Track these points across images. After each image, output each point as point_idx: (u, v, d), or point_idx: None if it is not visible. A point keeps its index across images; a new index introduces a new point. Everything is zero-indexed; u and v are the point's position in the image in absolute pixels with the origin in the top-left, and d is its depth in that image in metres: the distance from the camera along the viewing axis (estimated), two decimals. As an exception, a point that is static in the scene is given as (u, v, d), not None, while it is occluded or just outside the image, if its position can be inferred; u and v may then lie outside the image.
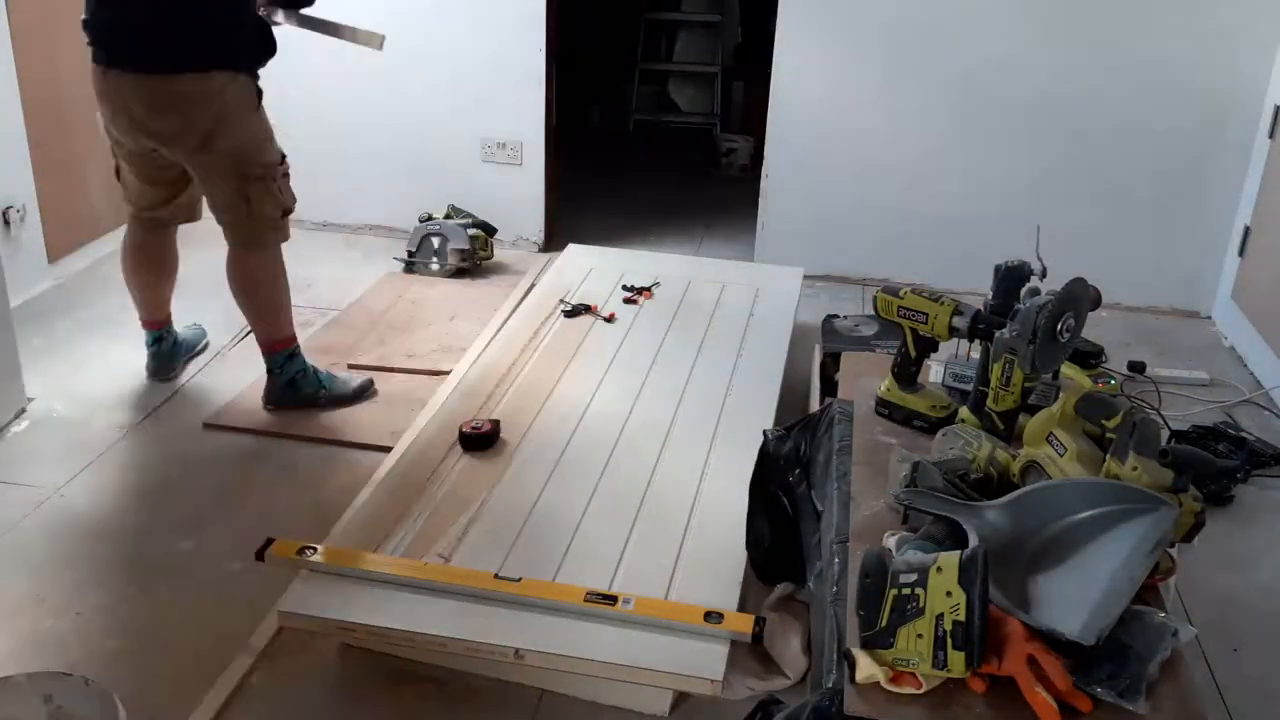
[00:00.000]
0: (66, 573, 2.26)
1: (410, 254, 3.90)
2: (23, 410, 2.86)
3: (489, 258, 3.98)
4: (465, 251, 3.83)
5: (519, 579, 1.99)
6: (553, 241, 4.25)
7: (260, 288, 2.80)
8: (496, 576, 2.00)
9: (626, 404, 2.72)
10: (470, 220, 3.98)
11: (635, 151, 5.89)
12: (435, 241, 3.89)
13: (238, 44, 2.57)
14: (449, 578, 2.00)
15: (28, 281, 3.50)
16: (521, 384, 2.79)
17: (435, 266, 3.87)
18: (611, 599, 1.94)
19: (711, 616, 1.90)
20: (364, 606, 1.94)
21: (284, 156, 2.72)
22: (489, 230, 4.00)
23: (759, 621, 1.89)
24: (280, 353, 2.85)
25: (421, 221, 3.96)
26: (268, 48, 2.65)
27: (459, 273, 3.88)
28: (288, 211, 2.75)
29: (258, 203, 2.65)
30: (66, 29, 3.76)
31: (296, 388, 2.87)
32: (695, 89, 6.22)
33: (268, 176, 2.66)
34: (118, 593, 2.21)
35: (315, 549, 2.05)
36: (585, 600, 1.94)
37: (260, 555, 2.06)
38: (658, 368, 2.92)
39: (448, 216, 3.98)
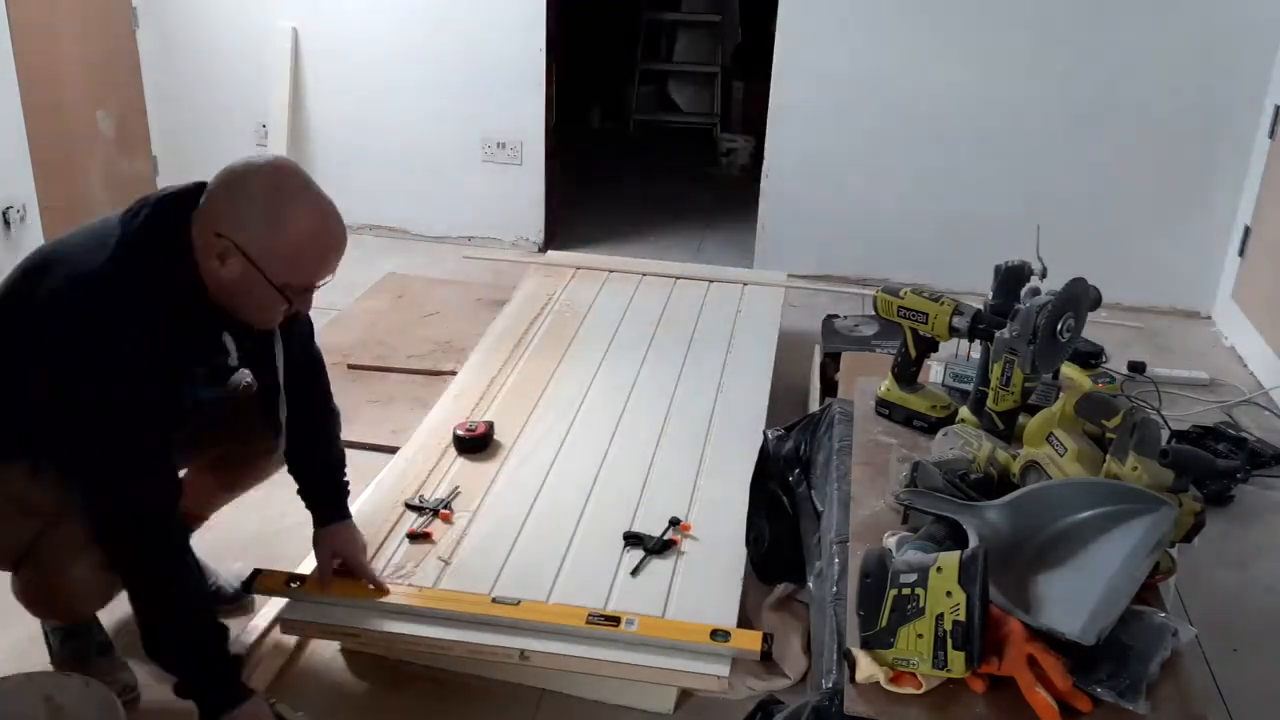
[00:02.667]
0: (66, 573, 2.26)
1: None
2: (23, 410, 2.85)
3: None
4: None
5: (518, 601, 1.94)
6: (553, 241, 4.25)
7: None
8: (493, 600, 1.95)
9: (618, 404, 2.71)
10: None
11: (635, 151, 5.90)
12: None
13: None
14: (442, 603, 1.94)
15: (28, 281, 3.50)
16: (513, 385, 2.79)
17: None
18: (614, 620, 1.89)
19: (718, 635, 1.86)
20: (366, 611, 1.94)
21: None
22: None
23: (766, 639, 1.86)
24: None
25: None
26: None
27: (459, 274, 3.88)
28: None
29: None
30: (66, 29, 3.78)
31: None
32: (695, 89, 6.22)
33: None
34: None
35: (303, 579, 2.00)
36: (588, 623, 1.89)
37: (248, 587, 2.03)
38: (647, 368, 2.92)
39: None
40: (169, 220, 1.60)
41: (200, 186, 1.63)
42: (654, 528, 2.20)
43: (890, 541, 1.53)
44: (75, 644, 1.94)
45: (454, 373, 2.96)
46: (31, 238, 3.53)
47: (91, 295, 1.55)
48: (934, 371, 2.05)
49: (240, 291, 1.61)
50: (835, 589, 1.55)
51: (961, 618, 1.26)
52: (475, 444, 2.47)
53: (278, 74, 4.11)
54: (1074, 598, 1.37)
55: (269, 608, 2.12)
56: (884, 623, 1.32)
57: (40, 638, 2.04)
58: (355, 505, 2.27)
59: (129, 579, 1.67)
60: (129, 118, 4.09)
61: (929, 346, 1.90)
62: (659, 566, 2.09)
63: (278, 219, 1.57)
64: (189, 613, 1.69)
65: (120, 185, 4.06)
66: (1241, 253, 3.73)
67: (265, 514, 2.48)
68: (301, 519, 2.34)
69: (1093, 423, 1.63)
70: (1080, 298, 1.68)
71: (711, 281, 3.52)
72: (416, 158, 4.21)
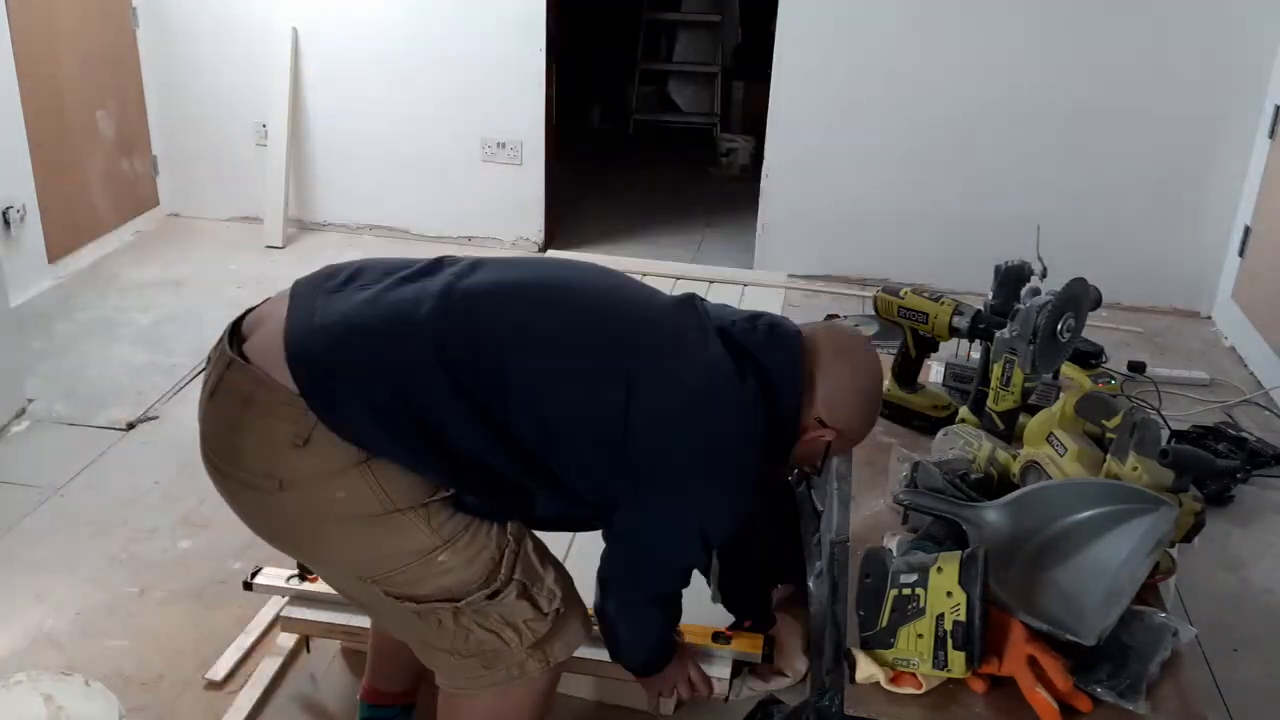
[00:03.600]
0: (66, 573, 2.26)
1: None
2: (23, 410, 2.86)
3: None
4: None
5: None
6: (553, 241, 4.25)
7: None
8: None
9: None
10: None
11: (635, 151, 5.89)
12: None
13: None
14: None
15: (28, 281, 3.50)
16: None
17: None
18: None
19: (719, 637, 1.86)
20: (364, 608, 1.93)
21: None
22: None
23: (767, 642, 1.87)
24: None
25: None
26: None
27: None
28: None
29: None
30: (66, 29, 3.78)
31: None
32: (695, 89, 6.22)
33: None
34: (118, 593, 2.21)
35: (303, 576, 1.98)
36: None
37: (249, 585, 2.02)
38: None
39: None
40: (793, 391, 1.50)
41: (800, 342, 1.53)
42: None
43: (890, 541, 1.53)
44: None
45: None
46: (31, 237, 3.53)
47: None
48: (934, 371, 2.06)
49: (804, 449, 1.58)
50: (835, 589, 1.55)
51: (962, 618, 1.26)
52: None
53: (278, 74, 4.11)
54: (1074, 598, 1.37)
55: (269, 607, 2.12)
56: (884, 623, 1.32)
57: (40, 639, 2.04)
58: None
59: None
60: (129, 118, 4.09)
61: (929, 346, 1.90)
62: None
63: (868, 414, 1.59)
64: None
65: (120, 185, 4.07)
66: (1241, 253, 3.73)
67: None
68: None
69: (1093, 423, 1.63)
70: (1080, 298, 1.68)
71: (711, 282, 3.51)
72: (417, 158, 4.20)
